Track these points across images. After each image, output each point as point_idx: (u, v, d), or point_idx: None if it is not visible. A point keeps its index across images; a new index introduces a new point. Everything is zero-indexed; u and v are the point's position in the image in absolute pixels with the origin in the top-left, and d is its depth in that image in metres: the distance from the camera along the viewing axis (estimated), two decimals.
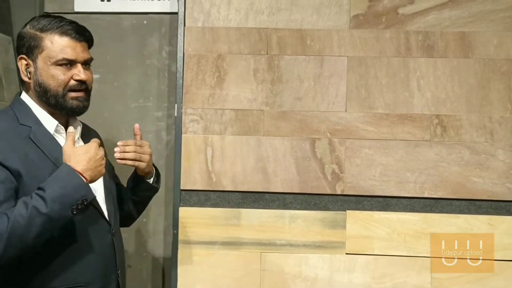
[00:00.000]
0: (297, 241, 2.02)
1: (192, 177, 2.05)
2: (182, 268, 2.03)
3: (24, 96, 1.53)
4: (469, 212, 2.01)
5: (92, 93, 2.19)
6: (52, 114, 1.51)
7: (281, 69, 2.03)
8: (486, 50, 1.99)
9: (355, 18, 2.02)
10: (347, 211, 2.02)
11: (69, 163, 1.38)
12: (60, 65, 1.48)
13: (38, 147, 1.45)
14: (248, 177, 2.03)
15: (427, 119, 2.00)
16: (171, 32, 2.24)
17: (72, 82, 1.49)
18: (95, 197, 1.42)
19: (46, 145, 1.47)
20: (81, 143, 1.59)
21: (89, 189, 1.39)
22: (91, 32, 1.46)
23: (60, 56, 1.47)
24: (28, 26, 1.50)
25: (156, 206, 2.25)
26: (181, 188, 2.05)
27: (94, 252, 1.50)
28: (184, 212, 2.05)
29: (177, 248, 2.04)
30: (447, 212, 2.01)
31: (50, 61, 1.47)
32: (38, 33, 1.48)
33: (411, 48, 2.00)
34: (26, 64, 1.49)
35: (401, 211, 2.02)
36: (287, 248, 2.02)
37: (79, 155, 1.40)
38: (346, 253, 2.01)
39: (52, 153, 1.46)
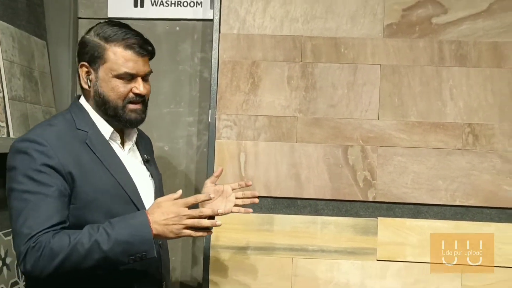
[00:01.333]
0: (328, 247, 2.04)
1: (225, 182, 2.04)
2: (214, 273, 2.05)
3: (83, 101, 1.53)
4: (499, 220, 2.03)
5: None
6: (108, 121, 1.51)
7: (315, 77, 2.05)
8: None
9: (389, 27, 2.05)
10: (379, 218, 2.04)
11: (150, 214, 1.35)
12: (121, 78, 1.47)
13: (93, 152, 1.45)
14: (281, 183, 2.05)
15: (459, 128, 2.02)
16: (203, 39, 2.27)
17: (131, 95, 1.48)
18: (155, 256, 1.36)
19: (101, 150, 1.47)
20: (136, 150, 1.60)
21: (153, 247, 1.34)
22: None
23: (122, 70, 1.46)
24: (92, 33, 1.49)
25: None
26: None
27: (139, 263, 1.41)
28: (217, 217, 2.06)
29: (209, 253, 2.06)
30: (478, 220, 2.03)
31: (111, 73, 1.46)
32: (102, 42, 1.46)
33: (444, 57, 2.02)
34: (87, 72, 1.49)
35: (432, 218, 2.04)
36: (319, 254, 2.04)
37: (164, 207, 1.35)
38: (378, 260, 2.03)
39: (106, 159, 1.46)
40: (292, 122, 2.06)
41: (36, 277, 1.32)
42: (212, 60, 2.09)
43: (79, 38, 1.54)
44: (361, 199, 2.04)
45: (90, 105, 1.52)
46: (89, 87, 1.49)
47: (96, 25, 1.51)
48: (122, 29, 1.48)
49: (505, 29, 2.01)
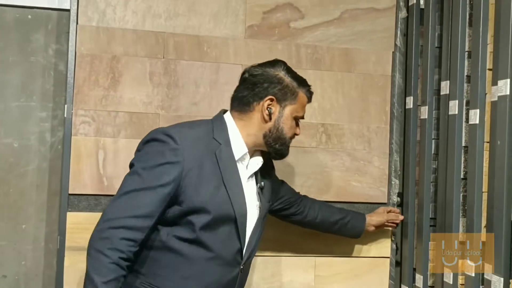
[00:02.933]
0: None
1: (82, 181, 1.98)
2: (69, 276, 1.96)
3: (228, 118, 1.63)
4: None
5: None
6: (248, 144, 1.61)
7: (177, 74, 2.05)
8: (366, 66, 2.18)
9: (250, 28, 2.10)
10: None
11: None
12: (296, 119, 1.65)
13: (218, 163, 1.53)
14: None
15: (314, 127, 2.15)
16: (59, 29, 2.14)
17: (293, 135, 1.68)
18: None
19: (225, 165, 1.55)
20: (254, 178, 1.67)
21: None
22: None
23: (301, 114, 1.67)
24: (283, 72, 1.62)
25: (38, 212, 2.12)
26: (70, 192, 1.97)
27: (215, 279, 1.56)
28: (72, 218, 1.97)
29: (63, 255, 1.96)
30: None
31: (294, 114, 1.63)
32: (295, 86, 1.62)
33: (301, 60, 2.13)
34: (270, 104, 1.59)
35: None
36: None
37: None
38: None
39: (227, 174, 1.54)
40: (154, 119, 2.02)
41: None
42: (69, 53, 1.99)
43: None
44: None
45: (240, 126, 1.61)
46: (270, 119, 1.60)
47: (278, 62, 1.65)
48: (300, 75, 1.67)
49: (354, 37, 2.18)
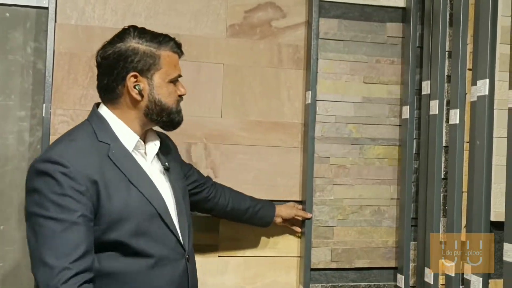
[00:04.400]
0: None
1: None
2: None
3: (104, 110, 1.48)
4: None
5: None
6: (136, 130, 1.48)
7: None
8: None
9: (232, 27, 2.09)
10: None
11: None
12: (173, 82, 1.49)
13: (117, 167, 1.40)
14: None
15: (296, 127, 2.14)
16: (37, 27, 2.10)
17: (178, 97, 1.52)
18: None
19: (125, 165, 1.42)
20: (157, 159, 1.55)
21: None
22: None
23: (175, 74, 1.49)
24: (134, 41, 1.44)
25: (16, 212, 2.09)
26: None
27: (166, 281, 1.45)
28: None
29: None
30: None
31: (167, 79, 1.46)
32: (153, 49, 1.44)
33: (282, 60, 2.12)
34: (135, 82, 1.43)
35: None
36: None
37: None
38: (219, 256, 2.06)
39: (131, 173, 1.42)
40: None
41: None
42: (47, 51, 1.95)
43: None
44: None
45: (117, 114, 1.47)
46: (142, 97, 1.45)
47: (129, 31, 1.46)
48: (159, 34, 1.48)
49: None
